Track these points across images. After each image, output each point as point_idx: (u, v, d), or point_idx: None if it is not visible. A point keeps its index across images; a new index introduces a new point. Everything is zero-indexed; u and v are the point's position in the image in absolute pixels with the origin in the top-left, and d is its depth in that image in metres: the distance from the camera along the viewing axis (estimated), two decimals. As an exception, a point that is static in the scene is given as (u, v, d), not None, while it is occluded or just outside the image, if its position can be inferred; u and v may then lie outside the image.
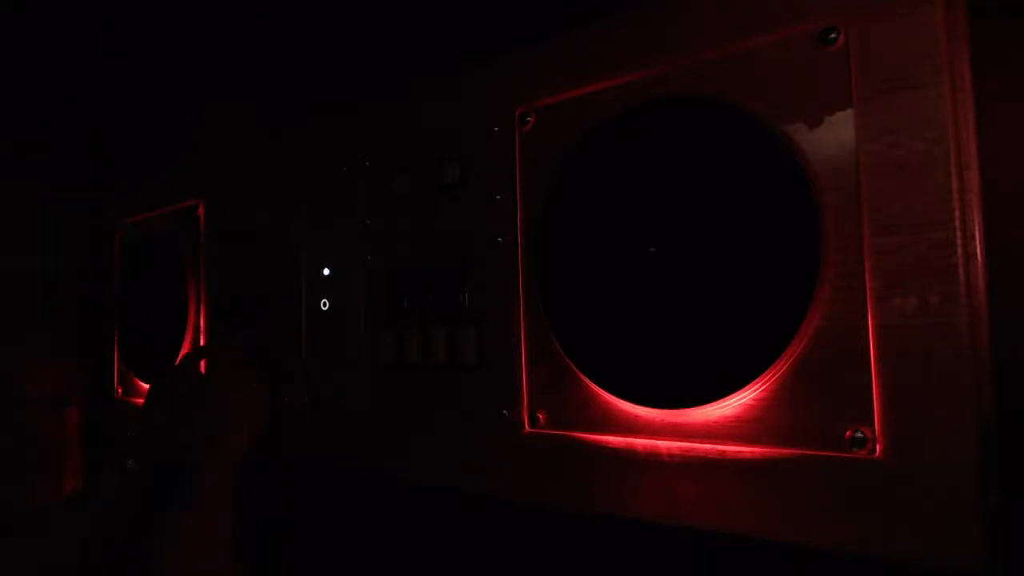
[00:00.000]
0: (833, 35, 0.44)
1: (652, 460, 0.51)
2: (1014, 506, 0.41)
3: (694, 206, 0.49)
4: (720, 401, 0.47)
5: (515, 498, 0.58)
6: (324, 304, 0.75)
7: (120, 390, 1.04)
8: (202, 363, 0.77)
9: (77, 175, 1.13)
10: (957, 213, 0.40)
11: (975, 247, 0.41)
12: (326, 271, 0.75)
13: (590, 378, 0.54)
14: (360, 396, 0.71)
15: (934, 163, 0.41)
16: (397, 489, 0.71)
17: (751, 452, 0.47)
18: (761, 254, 0.46)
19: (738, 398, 0.47)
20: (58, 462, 1.12)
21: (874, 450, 0.42)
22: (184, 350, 0.91)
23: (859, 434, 0.42)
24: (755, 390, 0.46)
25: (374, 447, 0.69)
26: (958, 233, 0.40)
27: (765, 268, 0.46)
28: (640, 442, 0.52)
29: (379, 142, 0.72)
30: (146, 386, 0.98)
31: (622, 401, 0.52)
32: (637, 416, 0.52)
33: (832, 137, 0.45)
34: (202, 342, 0.89)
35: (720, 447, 0.48)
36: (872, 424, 0.42)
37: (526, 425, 0.58)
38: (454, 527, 0.68)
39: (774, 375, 0.46)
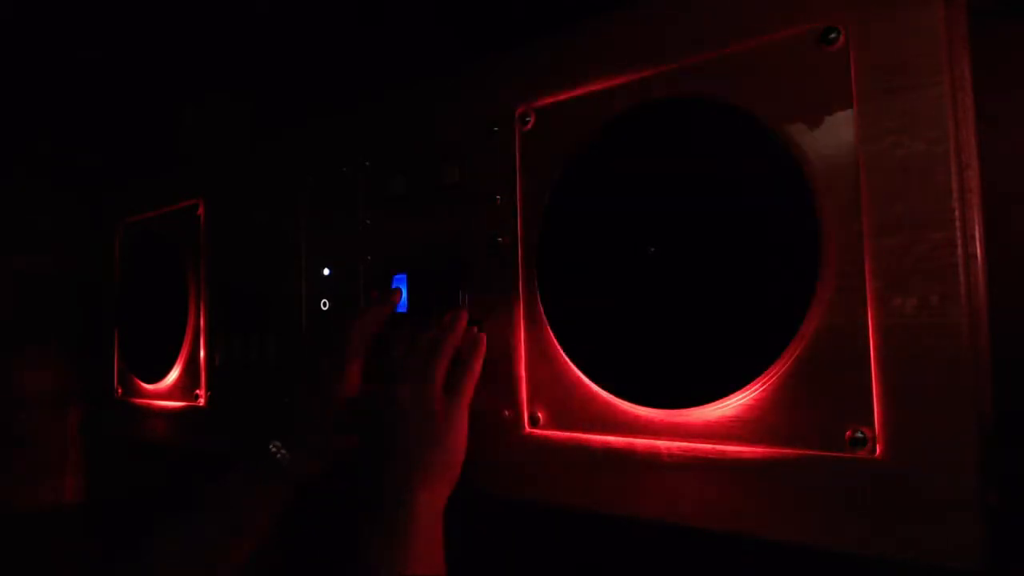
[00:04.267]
0: (833, 35, 0.44)
1: (652, 460, 0.51)
2: (1014, 506, 0.41)
3: (694, 206, 0.49)
4: (720, 401, 0.47)
5: (515, 497, 0.58)
6: (324, 304, 0.75)
7: (120, 390, 1.04)
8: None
9: (77, 175, 1.13)
10: (957, 213, 0.40)
11: (975, 247, 0.41)
12: (326, 271, 0.75)
13: (590, 378, 0.54)
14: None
15: (934, 163, 0.41)
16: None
17: (751, 452, 0.47)
18: (761, 254, 0.46)
19: (738, 398, 0.47)
20: (58, 462, 1.12)
21: (874, 450, 0.42)
22: (184, 350, 0.91)
23: (859, 434, 0.42)
24: (755, 390, 0.46)
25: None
26: (958, 233, 0.40)
27: (765, 268, 0.46)
28: (640, 442, 0.52)
29: (379, 142, 0.72)
30: (147, 386, 0.98)
31: (622, 401, 0.52)
32: (637, 416, 0.52)
33: (832, 137, 0.45)
34: (202, 343, 0.89)
35: (720, 447, 0.48)
36: (872, 424, 0.42)
37: (526, 425, 0.58)
38: (453, 526, 0.68)
39: (774, 375, 0.46)
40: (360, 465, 0.54)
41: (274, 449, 0.56)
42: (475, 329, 0.60)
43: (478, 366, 0.58)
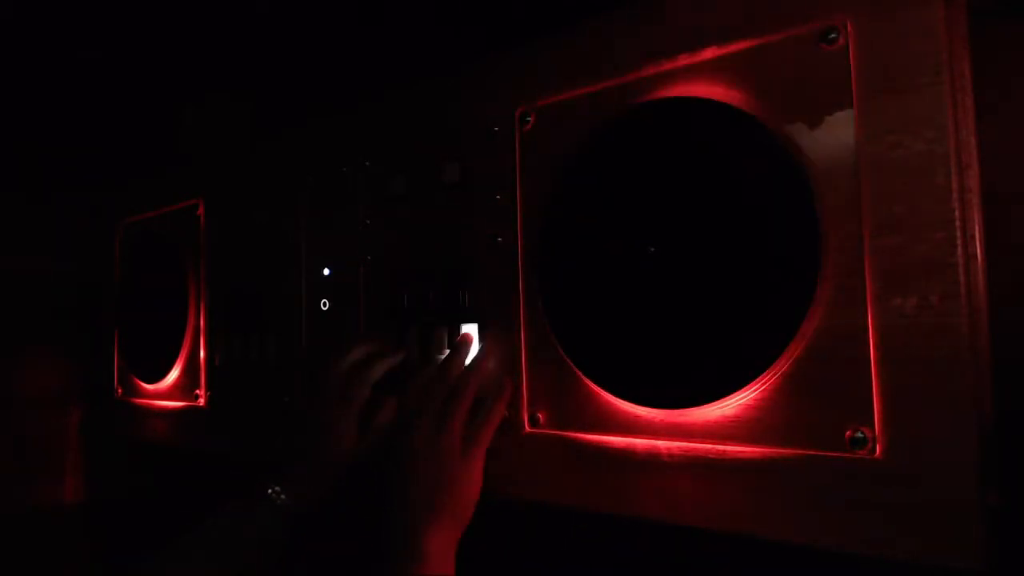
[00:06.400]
0: (833, 35, 0.44)
1: (652, 460, 0.51)
2: (1014, 506, 0.41)
3: (694, 206, 0.49)
4: (720, 401, 0.47)
5: (514, 497, 0.58)
6: (324, 304, 0.75)
7: (120, 390, 1.04)
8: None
9: (77, 175, 1.13)
10: (957, 213, 0.40)
11: (975, 247, 0.41)
12: (326, 271, 0.75)
13: (590, 378, 0.54)
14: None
15: (934, 163, 0.41)
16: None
17: (751, 452, 0.47)
18: (761, 254, 0.46)
19: (738, 398, 0.47)
20: (58, 462, 1.12)
21: (874, 450, 0.42)
22: (184, 350, 0.91)
23: (859, 434, 0.42)
24: (755, 390, 0.46)
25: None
26: (958, 233, 0.40)
27: (765, 268, 0.46)
28: (640, 442, 0.52)
29: (379, 142, 0.72)
30: (147, 386, 0.98)
31: (622, 401, 0.52)
32: (637, 416, 0.52)
33: (832, 137, 0.45)
34: (202, 343, 0.89)
35: (720, 447, 0.48)
36: (872, 424, 0.42)
37: (526, 425, 0.58)
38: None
39: (774, 375, 0.46)
40: (375, 510, 0.55)
41: (272, 494, 0.58)
42: (501, 373, 0.60)
43: (500, 412, 0.58)
